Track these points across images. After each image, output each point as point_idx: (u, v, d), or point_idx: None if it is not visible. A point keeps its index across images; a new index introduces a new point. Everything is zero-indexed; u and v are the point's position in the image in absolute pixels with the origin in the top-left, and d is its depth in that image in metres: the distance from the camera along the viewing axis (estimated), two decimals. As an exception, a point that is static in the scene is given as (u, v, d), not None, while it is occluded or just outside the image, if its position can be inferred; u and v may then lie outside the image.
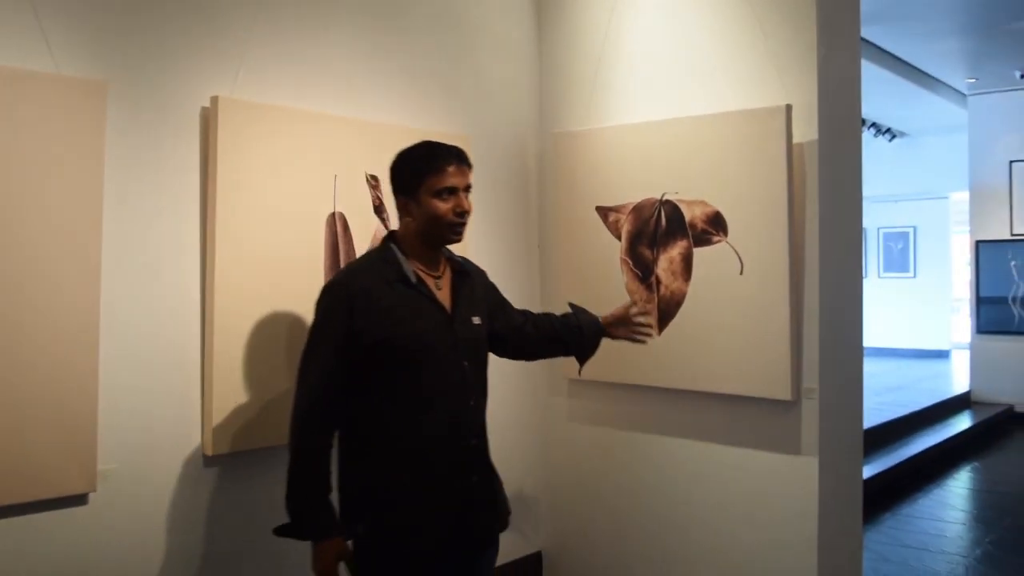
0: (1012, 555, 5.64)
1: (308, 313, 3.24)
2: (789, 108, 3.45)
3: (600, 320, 3.09)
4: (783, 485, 3.54)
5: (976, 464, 8.48)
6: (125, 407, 2.85)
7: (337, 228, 3.37)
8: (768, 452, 3.58)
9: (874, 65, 9.42)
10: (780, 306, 3.45)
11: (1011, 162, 10.73)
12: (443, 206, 2.57)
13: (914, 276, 16.50)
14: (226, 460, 3.13)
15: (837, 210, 3.61)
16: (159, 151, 2.96)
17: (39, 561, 2.67)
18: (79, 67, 2.74)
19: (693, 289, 3.70)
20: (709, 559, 3.74)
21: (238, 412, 3.09)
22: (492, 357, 2.87)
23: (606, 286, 3.95)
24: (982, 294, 11.01)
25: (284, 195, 3.20)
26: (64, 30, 2.72)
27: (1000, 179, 10.83)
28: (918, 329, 16.06)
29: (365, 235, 3.46)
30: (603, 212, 3.97)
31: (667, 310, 3.76)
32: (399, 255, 2.62)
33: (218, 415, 3.04)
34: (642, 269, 3.84)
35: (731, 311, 3.58)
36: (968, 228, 11.39)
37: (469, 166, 2.67)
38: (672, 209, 3.75)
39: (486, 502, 2.70)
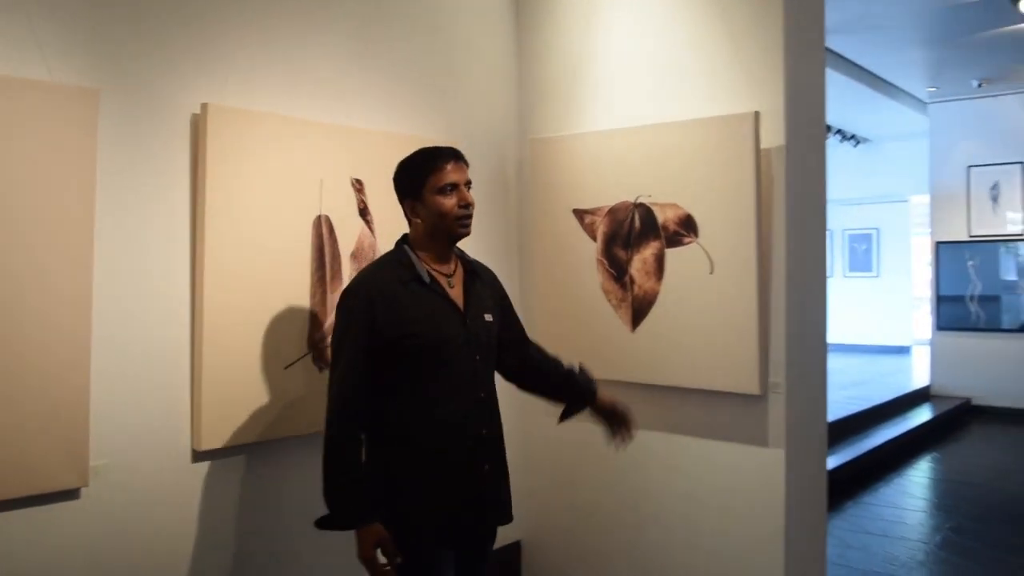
0: (970, 541, 5.68)
1: (295, 312, 3.26)
2: (757, 115, 3.46)
3: (596, 392, 3.05)
4: (752, 475, 3.55)
5: (936, 454, 8.53)
6: (117, 404, 2.83)
7: (323, 231, 3.35)
8: (737, 444, 3.59)
9: (839, 74, 9.47)
10: (748, 304, 3.45)
11: (969, 167, 10.80)
12: (448, 202, 2.63)
13: (877, 276, 16.60)
14: (216, 455, 3.10)
15: (803, 212, 3.62)
16: (150, 157, 2.93)
17: (31, 556, 2.64)
18: (72, 75, 2.72)
19: (665, 288, 3.70)
20: (682, 546, 3.74)
21: (228, 408, 3.07)
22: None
23: (582, 286, 3.96)
24: (941, 293, 11.08)
25: (272, 199, 3.18)
26: (57, 38, 2.69)
27: (958, 183, 10.90)
28: (881, 326, 16.16)
29: (350, 238, 3.45)
30: (579, 215, 3.97)
31: (640, 308, 3.76)
32: (412, 256, 2.67)
33: (208, 411, 3.01)
34: (617, 269, 3.84)
35: (701, 309, 3.59)
36: (928, 230, 11.46)
37: (466, 163, 2.72)
38: (645, 212, 3.75)
39: (497, 491, 2.74)
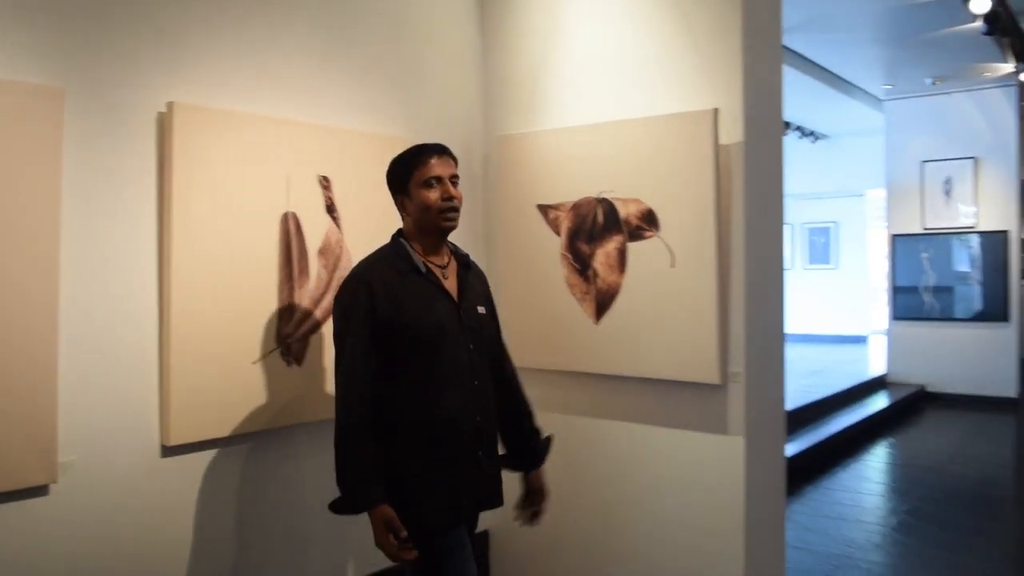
0: (925, 523, 5.74)
1: (263, 308, 3.22)
2: (716, 112, 3.46)
3: (540, 465, 2.98)
4: (712, 462, 3.56)
5: (892, 440, 8.63)
6: (85, 400, 2.78)
7: (290, 227, 3.31)
8: (698, 432, 3.59)
9: (799, 72, 9.52)
10: (708, 296, 3.46)
11: (923, 162, 10.91)
12: (431, 195, 2.64)
13: (835, 268, 16.75)
14: (186, 450, 3.05)
15: (761, 206, 3.62)
16: (116, 155, 2.87)
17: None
18: (36, 73, 2.66)
19: (628, 281, 3.69)
20: (646, 532, 3.75)
21: (196, 403, 3.02)
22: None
23: (547, 279, 3.94)
24: (897, 284, 11.19)
25: (239, 196, 3.14)
26: (21, 37, 2.63)
27: (913, 178, 11.01)
28: (839, 317, 16.32)
29: (317, 234, 3.41)
30: (544, 210, 3.95)
31: (603, 301, 3.76)
32: (409, 248, 2.69)
33: (176, 406, 2.97)
34: (580, 263, 3.83)
35: (663, 301, 3.59)
36: (884, 223, 11.56)
37: (453, 158, 2.73)
38: (608, 207, 3.74)
39: (490, 476, 2.75)
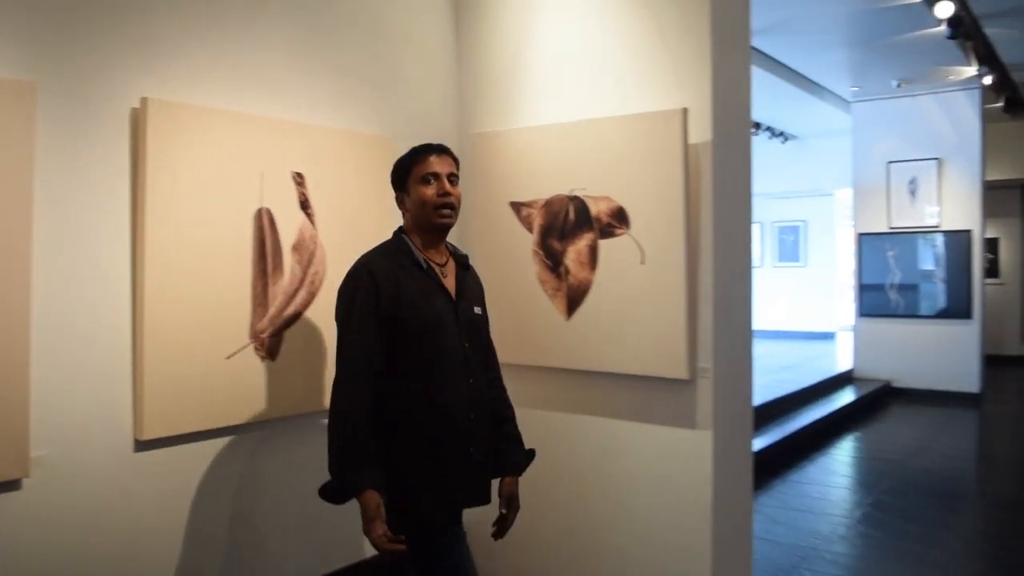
0: (889, 515, 5.78)
1: (237, 303, 3.19)
2: (685, 111, 3.46)
3: (517, 472, 2.91)
4: (681, 456, 3.56)
5: (858, 434, 8.69)
6: (58, 394, 2.75)
7: (264, 223, 3.28)
8: (667, 427, 3.60)
9: (769, 74, 9.56)
10: (677, 293, 3.46)
11: (889, 163, 10.99)
12: (428, 191, 2.66)
13: (804, 265, 16.87)
14: (160, 444, 3.02)
15: (729, 205, 3.63)
16: (90, 150, 2.84)
17: (-29, 544, 2.56)
18: (9, 68, 2.62)
19: (599, 278, 3.69)
20: (616, 524, 3.75)
21: (170, 397, 3.00)
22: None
23: (519, 276, 3.93)
24: (863, 281, 11.27)
25: (213, 192, 3.11)
26: (-8, 31, 2.60)
27: (879, 178, 11.09)
28: (808, 313, 16.42)
29: (291, 230, 3.39)
30: (516, 207, 3.94)
31: (575, 298, 3.75)
32: (411, 244, 2.70)
33: (150, 400, 2.94)
34: (552, 260, 3.82)
35: (633, 298, 3.59)
36: (851, 222, 11.64)
37: (453, 158, 2.76)
38: (580, 204, 3.74)
39: (481, 474, 2.75)
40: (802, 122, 13.11)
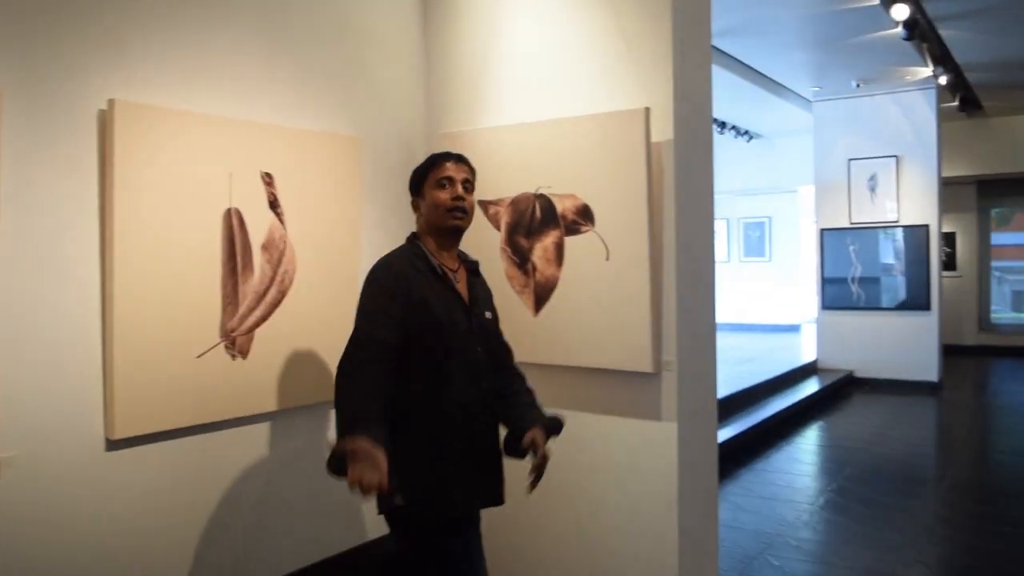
0: (851, 501, 5.81)
1: (207, 303, 3.13)
2: (648, 111, 3.44)
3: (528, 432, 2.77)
4: (647, 448, 3.54)
5: (822, 423, 8.74)
6: (26, 394, 2.67)
7: (233, 223, 3.23)
8: (633, 419, 3.58)
9: (733, 75, 9.61)
10: (641, 288, 3.44)
11: (849, 160, 11.05)
12: (442, 194, 2.69)
13: (770, 260, 16.99)
14: (131, 443, 2.95)
15: (692, 201, 3.61)
16: (56, 152, 2.76)
17: (-61, 545, 2.49)
18: (-28, 71, 2.56)
19: (565, 274, 3.66)
20: (584, 514, 3.73)
21: (141, 397, 2.93)
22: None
23: (487, 273, 3.85)
24: (826, 275, 11.33)
25: (181, 193, 3.05)
26: (-45, 34, 2.53)
27: (840, 175, 11.15)
28: (773, 306, 16.51)
29: (261, 229, 3.33)
30: (484, 205, 3.90)
31: (542, 294, 3.72)
32: (425, 249, 2.70)
33: (121, 399, 2.87)
34: (519, 257, 3.79)
35: (598, 293, 3.56)
36: (814, 218, 11.69)
37: (469, 167, 2.79)
38: (546, 202, 3.71)
39: (492, 477, 2.75)
40: (766, 121, 13.19)
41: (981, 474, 6.93)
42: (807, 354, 11.83)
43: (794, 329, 15.72)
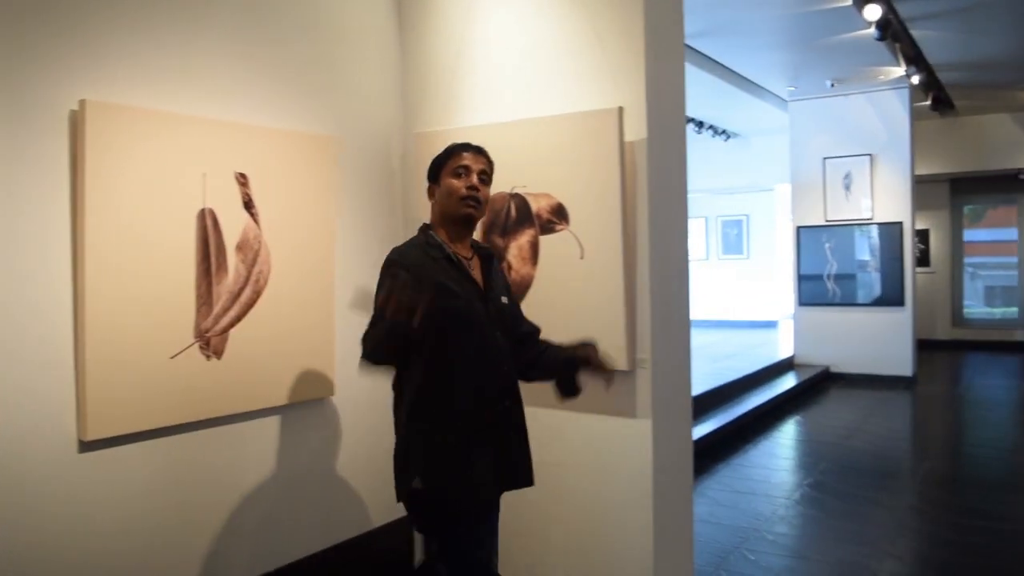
0: (826, 495, 5.82)
1: (181, 303, 3.08)
2: (621, 110, 3.42)
3: (573, 355, 2.86)
4: (622, 444, 3.53)
5: (799, 418, 8.75)
6: (-5, 397, 2.62)
7: (207, 223, 3.18)
8: (608, 416, 3.56)
9: (711, 75, 9.60)
10: (616, 286, 3.42)
11: (824, 159, 11.09)
12: (457, 183, 2.70)
13: (747, 257, 17.02)
14: (104, 445, 2.90)
15: (665, 200, 3.59)
16: (27, 153, 2.70)
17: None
18: (-62, 70, 2.50)
19: (540, 272, 3.64)
20: (559, 511, 3.70)
21: (114, 398, 2.88)
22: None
23: (464, 272, 3.87)
24: (802, 272, 11.36)
25: (154, 193, 3.00)
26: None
27: (815, 173, 11.18)
28: (751, 303, 16.55)
29: (235, 229, 3.28)
30: (460, 205, 3.87)
31: (517, 292, 3.68)
32: (439, 238, 2.71)
33: (93, 401, 2.82)
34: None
35: (573, 292, 3.54)
36: (791, 215, 11.72)
37: (487, 158, 2.79)
38: (521, 201, 3.68)
39: (521, 457, 2.77)
40: (743, 120, 13.19)
41: (955, 467, 6.96)
42: (784, 350, 11.85)
43: (771, 325, 15.76)
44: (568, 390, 2.88)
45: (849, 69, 9.85)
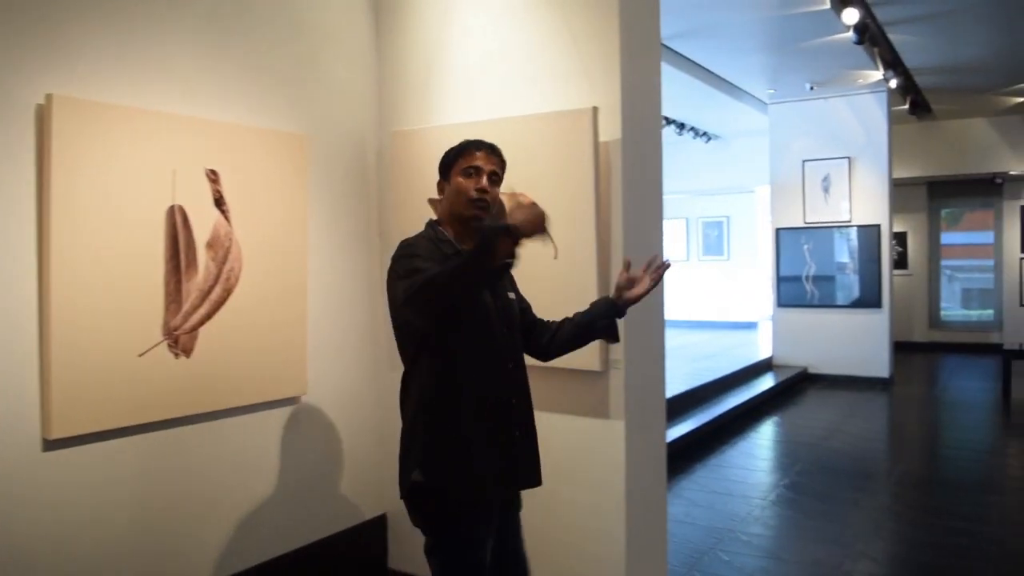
0: (802, 496, 5.82)
1: (149, 301, 3.03)
2: (596, 110, 3.39)
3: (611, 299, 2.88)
4: (595, 445, 3.50)
5: (777, 418, 8.76)
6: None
7: (177, 220, 3.13)
8: (583, 417, 3.53)
9: (691, 77, 9.60)
10: (589, 287, 3.39)
11: (804, 161, 11.12)
12: (466, 182, 2.64)
13: (728, 259, 17.05)
14: (70, 443, 2.85)
15: (640, 200, 3.57)
16: (-8, 147, 2.66)
17: None
18: (-102, 62, 2.44)
19: (513, 272, 3.59)
20: (532, 511, 3.64)
21: (80, 396, 2.83)
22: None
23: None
24: (781, 273, 11.39)
25: (122, 189, 2.95)
26: None
27: (795, 176, 11.21)
28: (731, 304, 16.58)
29: (205, 227, 3.23)
30: (434, 204, 3.81)
31: (491, 292, 3.66)
32: (447, 233, 2.66)
33: (59, 398, 2.77)
34: (470, 255, 3.72)
35: (547, 292, 3.48)
36: (770, 217, 11.74)
37: (499, 158, 2.73)
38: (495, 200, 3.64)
39: (527, 455, 2.69)
40: (724, 123, 13.22)
41: (930, 469, 6.98)
42: (763, 351, 11.88)
43: (751, 326, 15.81)
44: (613, 335, 2.87)
45: (828, 72, 9.88)
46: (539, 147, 3.52)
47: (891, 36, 8.53)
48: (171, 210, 3.11)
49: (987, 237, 14.47)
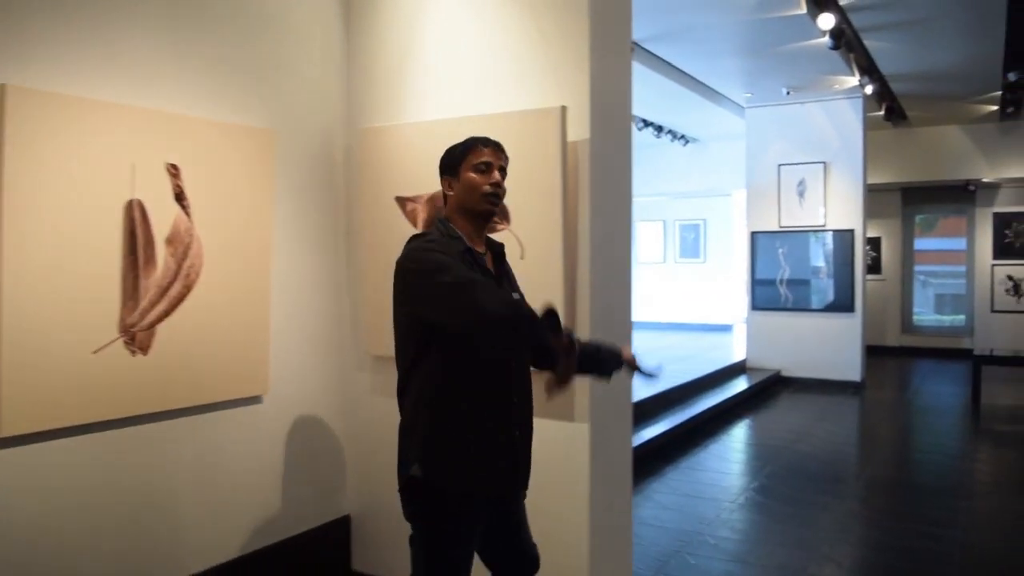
0: (771, 499, 5.80)
1: (105, 297, 2.95)
2: (564, 109, 3.35)
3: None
4: (559, 449, 3.45)
5: (749, 421, 8.76)
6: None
7: (135, 215, 3.05)
8: (547, 420, 3.46)
9: (669, 80, 9.59)
10: (555, 287, 3.35)
11: (779, 165, 11.13)
12: (479, 178, 2.62)
13: (704, 261, 17.08)
14: (21, 442, 2.77)
15: (608, 201, 3.53)
16: (-61, 136, 2.58)
17: None
18: None
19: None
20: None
21: (32, 393, 2.75)
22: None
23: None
24: (756, 277, 11.40)
25: (79, 183, 2.87)
26: None
27: (770, 180, 11.23)
28: (707, 306, 16.61)
29: (165, 222, 3.16)
30: (402, 202, 3.78)
31: (457, 292, 3.61)
32: (458, 231, 2.63)
33: (9, 396, 2.69)
34: (436, 254, 3.67)
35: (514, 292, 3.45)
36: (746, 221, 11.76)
37: (505, 155, 2.73)
38: (463, 199, 3.59)
39: (525, 454, 2.69)
40: (702, 126, 13.23)
41: (900, 473, 6.99)
42: (738, 353, 11.88)
43: (726, 329, 15.82)
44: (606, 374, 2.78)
45: (804, 77, 9.89)
46: (507, 146, 3.42)
47: (867, 42, 8.55)
48: (130, 204, 3.03)
49: (960, 243, 14.57)
